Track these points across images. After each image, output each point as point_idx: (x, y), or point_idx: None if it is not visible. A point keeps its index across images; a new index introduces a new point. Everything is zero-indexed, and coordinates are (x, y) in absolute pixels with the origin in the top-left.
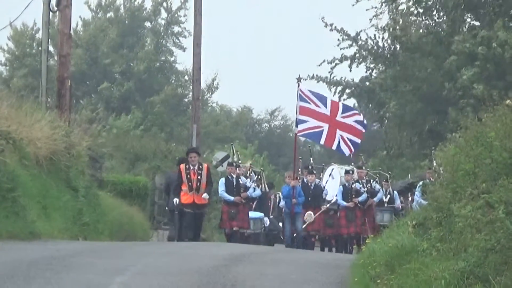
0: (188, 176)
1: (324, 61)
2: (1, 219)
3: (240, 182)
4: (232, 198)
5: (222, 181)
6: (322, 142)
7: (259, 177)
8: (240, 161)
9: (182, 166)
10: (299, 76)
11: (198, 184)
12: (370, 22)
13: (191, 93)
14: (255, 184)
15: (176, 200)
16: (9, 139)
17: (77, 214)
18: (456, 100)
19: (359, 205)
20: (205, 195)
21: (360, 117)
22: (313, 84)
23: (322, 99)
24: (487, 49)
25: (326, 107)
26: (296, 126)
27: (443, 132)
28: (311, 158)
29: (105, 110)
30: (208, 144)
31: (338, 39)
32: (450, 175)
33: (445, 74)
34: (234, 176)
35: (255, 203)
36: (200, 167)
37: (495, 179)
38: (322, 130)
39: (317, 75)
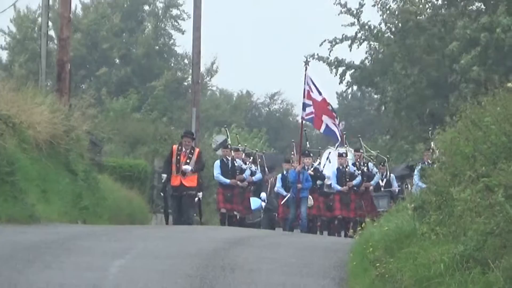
0: (178, 157)
1: (325, 40)
2: (1, 202)
3: (236, 164)
4: (227, 180)
5: (217, 163)
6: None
7: (259, 159)
8: (240, 145)
9: (175, 146)
10: (306, 59)
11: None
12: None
13: (190, 76)
14: (255, 168)
15: (164, 175)
16: (9, 123)
17: (77, 197)
18: (456, 84)
19: (354, 188)
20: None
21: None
22: (313, 63)
23: (318, 91)
24: (489, 35)
25: (320, 95)
26: (303, 110)
27: (444, 116)
28: (307, 142)
29: (107, 95)
30: (208, 127)
31: (341, 10)
32: (449, 159)
33: (447, 59)
34: (230, 158)
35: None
36: (192, 151)
37: (494, 163)
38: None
39: (318, 55)
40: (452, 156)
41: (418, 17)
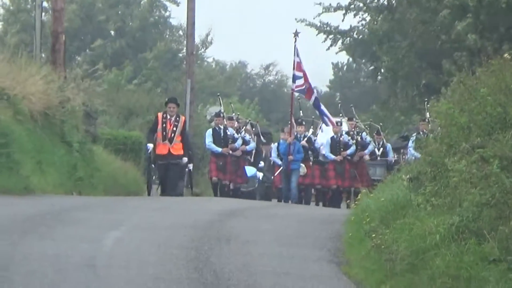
0: (164, 125)
1: (317, 4)
2: None
3: (228, 133)
4: (219, 149)
5: (209, 132)
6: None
7: (253, 128)
8: (234, 114)
9: (160, 114)
10: (296, 30)
11: (172, 135)
12: None
13: (185, 48)
14: (249, 137)
15: (150, 145)
16: (3, 94)
17: (72, 169)
18: (450, 53)
19: (348, 157)
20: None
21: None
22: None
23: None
24: (477, 1)
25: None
26: (293, 82)
27: (439, 86)
28: (301, 111)
29: (103, 68)
30: (202, 98)
31: None
32: (444, 130)
33: (439, 27)
34: (222, 127)
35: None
36: (178, 118)
37: (489, 134)
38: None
39: (308, 21)
40: (447, 127)
41: None
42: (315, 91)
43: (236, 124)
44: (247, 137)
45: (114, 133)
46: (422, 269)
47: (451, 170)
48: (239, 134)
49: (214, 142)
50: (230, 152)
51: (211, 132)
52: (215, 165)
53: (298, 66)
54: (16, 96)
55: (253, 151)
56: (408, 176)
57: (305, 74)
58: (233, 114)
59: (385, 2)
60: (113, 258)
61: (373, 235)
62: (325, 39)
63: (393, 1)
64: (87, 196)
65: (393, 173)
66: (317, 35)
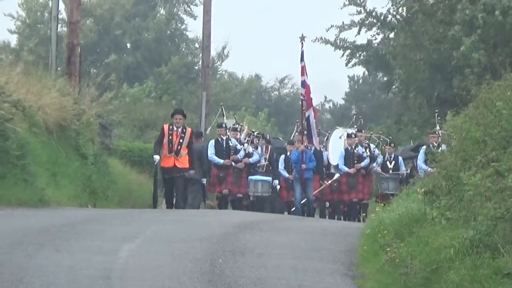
0: (170, 137)
1: (331, 26)
2: (11, 186)
3: (230, 144)
4: (221, 161)
5: (211, 143)
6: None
7: (261, 141)
8: (237, 125)
9: (166, 126)
10: (302, 35)
11: (178, 147)
12: None
13: (201, 60)
14: (252, 149)
15: (156, 157)
16: (19, 106)
17: (87, 181)
18: (461, 70)
19: (362, 170)
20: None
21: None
22: (321, 47)
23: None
24: (486, 15)
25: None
26: (303, 87)
27: (451, 99)
28: None
29: (117, 81)
30: (218, 111)
31: (344, 4)
32: (460, 143)
33: (451, 42)
34: (224, 138)
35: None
36: (184, 130)
37: (504, 148)
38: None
39: (324, 38)
40: (462, 141)
41: (424, 1)
42: (315, 107)
43: (243, 135)
44: (250, 149)
45: (130, 145)
46: (436, 283)
47: (466, 184)
48: (243, 146)
49: (216, 153)
50: (233, 163)
51: (213, 143)
52: (216, 178)
53: (302, 70)
54: (32, 108)
55: (261, 163)
56: (423, 189)
57: (307, 87)
58: (237, 124)
59: (403, 14)
60: (128, 270)
61: (388, 249)
62: (342, 55)
63: (409, 14)
64: (102, 209)
65: (408, 187)
66: (334, 51)
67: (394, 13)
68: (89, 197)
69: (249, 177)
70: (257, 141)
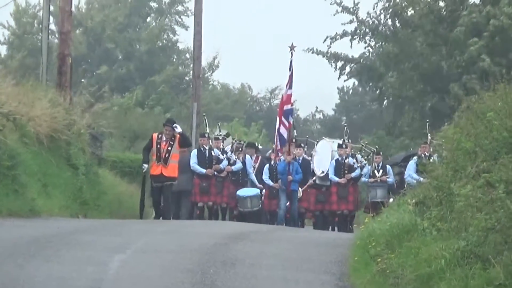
0: (158, 146)
1: (327, 38)
2: (2, 196)
3: (213, 154)
4: (203, 170)
5: (194, 153)
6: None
7: (249, 149)
8: (221, 134)
9: (155, 135)
10: (292, 44)
11: (167, 155)
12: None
13: (191, 71)
14: (235, 157)
15: (145, 165)
16: (10, 117)
17: (77, 191)
18: (459, 77)
19: (351, 181)
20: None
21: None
22: (312, 57)
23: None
24: (497, 22)
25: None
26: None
27: (444, 110)
28: (295, 130)
29: (109, 92)
30: (208, 122)
31: (336, 11)
32: (450, 154)
33: (452, 45)
34: (207, 148)
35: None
36: (173, 138)
37: (495, 158)
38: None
39: (317, 49)
40: (453, 152)
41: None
42: (293, 102)
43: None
44: (233, 157)
45: (120, 156)
46: None
47: (457, 194)
48: (225, 155)
49: (199, 163)
50: (215, 173)
51: (196, 153)
52: (198, 188)
53: (289, 80)
54: (23, 118)
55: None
56: (414, 200)
57: (287, 97)
58: (220, 133)
59: (390, 27)
60: (119, 281)
61: (379, 260)
62: (335, 70)
63: (399, 25)
64: (92, 219)
65: (397, 196)
66: (328, 63)
67: (384, 22)
68: (80, 208)
69: (237, 192)
70: (240, 150)
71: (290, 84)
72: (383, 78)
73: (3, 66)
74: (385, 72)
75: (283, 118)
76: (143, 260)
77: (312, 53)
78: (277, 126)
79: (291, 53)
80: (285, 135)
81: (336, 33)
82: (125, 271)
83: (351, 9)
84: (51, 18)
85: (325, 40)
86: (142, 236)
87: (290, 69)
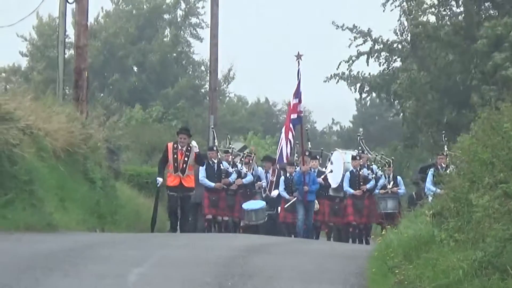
0: (175, 156)
1: (340, 63)
2: (19, 211)
3: (222, 167)
4: (212, 184)
5: (202, 167)
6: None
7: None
8: (231, 147)
9: (170, 144)
10: (298, 53)
11: (184, 165)
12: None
13: (207, 84)
14: (246, 170)
15: (159, 179)
16: (27, 131)
17: (95, 205)
18: (478, 87)
19: (367, 193)
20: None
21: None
22: (332, 83)
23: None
24: None
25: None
26: (299, 103)
27: (462, 124)
28: (309, 142)
29: (117, 102)
30: (225, 134)
31: (350, 39)
32: (468, 165)
33: (473, 57)
34: (216, 161)
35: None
36: (189, 148)
37: None
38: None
39: (335, 74)
40: (470, 163)
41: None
42: (301, 111)
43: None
44: (244, 170)
45: (137, 169)
46: None
47: (474, 205)
48: (234, 168)
49: (208, 176)
50: (224, 187)
51: (204, 167)
52: (208, 201)
53: (297, 88)
54: (40, 133)
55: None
56: (431, 211)
57: (294, 105)
58: (229, 146)
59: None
60: None
61: (397, 271)
62: (355, 90)
63: (416, 39)
64: (110, 233)
65: (414, 208)
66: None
67: (400, 39)
68: (97, 222)
69: (242, 205)
70: (247, 161)
71: (297, 93)
72: (402, 104)
73: (24, 78)
74: (403, 95)
75: (290, 126)
76: (161, 273)
77: (334, 78)
78: (283, 135)
79: (298, 62)
80: (288, 149)
81: (350, 55)
82: (143, 285)
83: (366, 31)
84: (69, 31)
85: (339, 66)
86: (160, 249)
87: (298, 78)
